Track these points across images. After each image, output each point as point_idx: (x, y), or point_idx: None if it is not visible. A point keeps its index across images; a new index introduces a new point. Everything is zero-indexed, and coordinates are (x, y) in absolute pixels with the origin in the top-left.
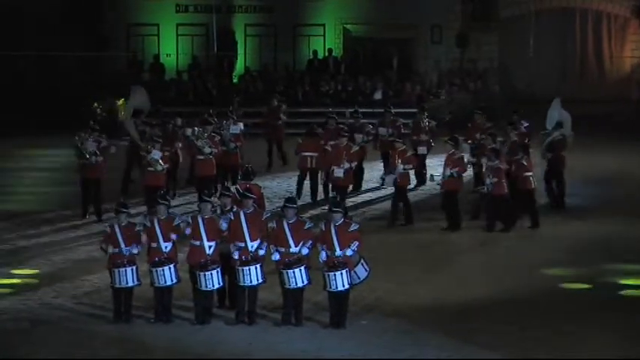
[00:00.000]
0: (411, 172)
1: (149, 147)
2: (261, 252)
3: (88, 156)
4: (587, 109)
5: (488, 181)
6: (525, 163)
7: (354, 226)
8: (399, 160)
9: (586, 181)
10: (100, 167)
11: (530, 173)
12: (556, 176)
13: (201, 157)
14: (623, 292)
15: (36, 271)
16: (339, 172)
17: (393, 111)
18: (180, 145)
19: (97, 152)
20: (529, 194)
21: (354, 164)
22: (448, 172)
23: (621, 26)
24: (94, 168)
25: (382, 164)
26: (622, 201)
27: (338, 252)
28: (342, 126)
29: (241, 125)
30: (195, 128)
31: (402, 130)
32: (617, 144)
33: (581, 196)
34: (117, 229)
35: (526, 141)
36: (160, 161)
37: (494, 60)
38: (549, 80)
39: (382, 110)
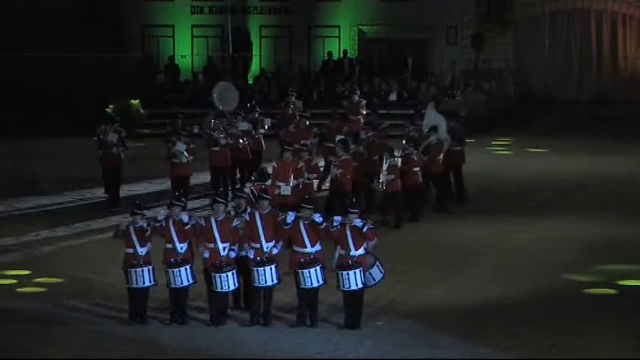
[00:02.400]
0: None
1: (174, 139)
2: (275, 251)
3: (109, 147)
4: (602, 110)
5: (382, 178)
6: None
7: (369, 227)
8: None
9: (597, 181)
10: (120, 157)
11: (391, 176)
12: (432, 179)
13: (217, 148)
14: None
15: (58, 279)
16: (285, 190)
17: (378, 112)
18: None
19: (118, 144)
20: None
21: (301, 180)
22: (334, 173)
23: (636, 27)
24: (116, 158)
25: None
26: (634, 202)
27: (353, 252)
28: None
29: (268, 122)
30: (212, 120)
31: (387, 133)
32: (631, 144)
33: (592, 197)
34: (132, 231)
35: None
36: (185, 153)
37: (509, 61)
38: (565, 81)
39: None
